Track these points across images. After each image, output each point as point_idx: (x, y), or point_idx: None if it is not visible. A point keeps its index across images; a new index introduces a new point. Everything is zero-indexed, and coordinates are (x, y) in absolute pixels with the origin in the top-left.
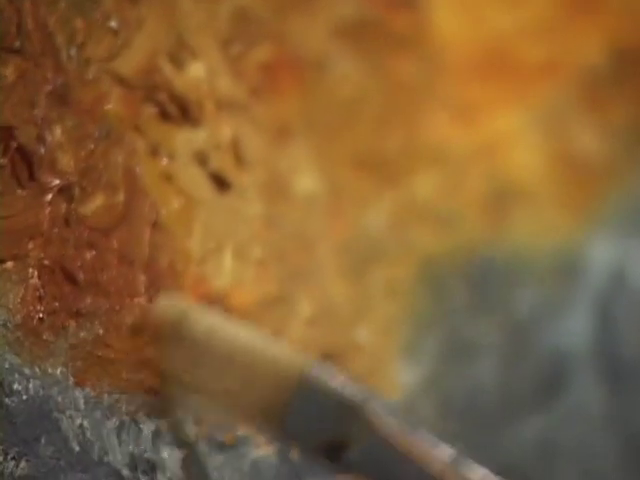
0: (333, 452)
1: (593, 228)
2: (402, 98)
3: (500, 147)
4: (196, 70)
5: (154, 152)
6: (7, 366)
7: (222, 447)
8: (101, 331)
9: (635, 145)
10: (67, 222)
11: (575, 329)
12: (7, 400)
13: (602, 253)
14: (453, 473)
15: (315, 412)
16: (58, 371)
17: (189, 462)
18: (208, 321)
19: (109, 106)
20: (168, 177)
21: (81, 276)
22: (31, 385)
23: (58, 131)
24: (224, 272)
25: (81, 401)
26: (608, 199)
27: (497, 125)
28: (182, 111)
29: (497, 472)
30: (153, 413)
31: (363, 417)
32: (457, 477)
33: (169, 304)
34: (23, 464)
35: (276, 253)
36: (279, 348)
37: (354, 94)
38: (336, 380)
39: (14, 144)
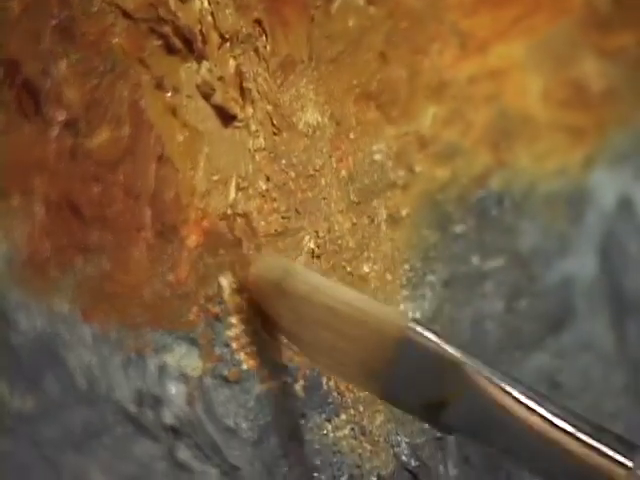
0: (433, 411)
1: (598, 156)
2: (407, 27)
3: (504, 75)
4: (200, 2)
5: (159, 85)
6: (13, 303)
7: (227, 382)
8: (108, 266)
9: (637, 71)
10: (73, 156)
11: (581, 259)
12: (13, 337)
13: (607, 180)
14: (553, 432)
15: (415, 371)
16: (65, 308)
17: (195, 397)
18: (310, 279)
19: (114, 39)
20: (173, 110)
21: (88, 211)
22: (38, 322)
23: (63, 65)
24: (228, 205)
25: (88, 337)
26: (613, 125)
27: (501, 53)
28: (186, 44)
29: None
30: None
31: (462, 376)
32: (555, 436)
33: (271, 262)
34: (29, 401)
35: (280, 186)
36: (379, 307)
37: (359, 24)
38: (436, 339)
39: (20, 78)
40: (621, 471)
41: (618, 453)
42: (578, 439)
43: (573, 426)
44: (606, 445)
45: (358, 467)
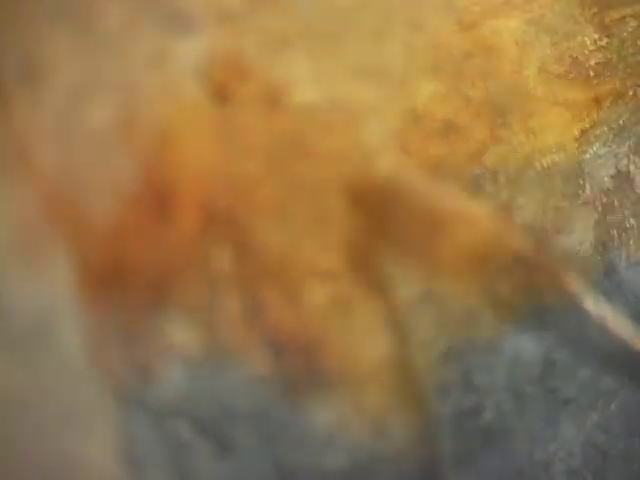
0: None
1: (595, 130)
2: (403, 4)
3: (500, 50)
4: None
5: (155, 63)
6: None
7: (228, 359)
8: (109, 246)
9: (634, 43)
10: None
11: (578, 234)
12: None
13: (605, 154)
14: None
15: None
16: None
17: (196, 375)
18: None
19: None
20: (169, 89)
21: (87, 185)
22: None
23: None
24: (226, 184)
25: (88, 317)
26: (610, 98)
27: (497, 28)
28: (182, 21)
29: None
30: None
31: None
32: None
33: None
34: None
35: (275, 164)
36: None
37: (354, 0)
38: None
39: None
40: None
41: None
42: None
43: None
44: None
45: (356, 444)
